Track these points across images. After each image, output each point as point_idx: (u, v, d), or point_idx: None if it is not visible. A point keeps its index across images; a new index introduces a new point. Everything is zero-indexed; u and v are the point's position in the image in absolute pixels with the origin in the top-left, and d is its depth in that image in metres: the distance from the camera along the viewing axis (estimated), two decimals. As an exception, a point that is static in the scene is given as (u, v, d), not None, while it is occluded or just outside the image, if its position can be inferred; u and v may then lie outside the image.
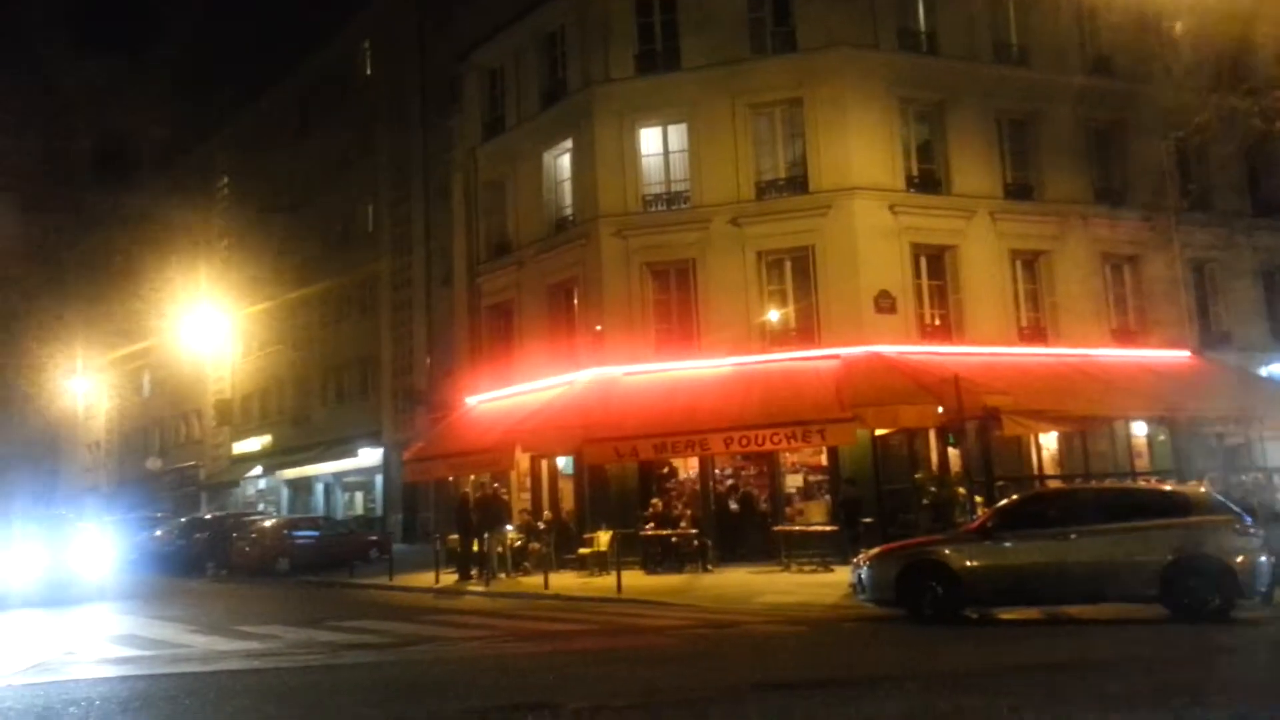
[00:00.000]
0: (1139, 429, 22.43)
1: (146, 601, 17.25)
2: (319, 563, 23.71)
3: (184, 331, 41.22)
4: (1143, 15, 16.31)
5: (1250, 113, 17.44)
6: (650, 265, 22.19)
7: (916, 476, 20.24)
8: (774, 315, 21.39)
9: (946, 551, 11.88)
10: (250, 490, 42.60)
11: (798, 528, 19.35)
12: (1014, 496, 13.77)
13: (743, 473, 21.54)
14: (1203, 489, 13.14)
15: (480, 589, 18.12)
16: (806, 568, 17.79)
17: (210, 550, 25.67)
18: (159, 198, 47.46)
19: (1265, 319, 25.07)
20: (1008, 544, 11.73)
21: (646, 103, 22.66)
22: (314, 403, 38.30)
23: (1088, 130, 23.43)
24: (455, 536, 20.22)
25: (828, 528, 18.74)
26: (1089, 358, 21.76)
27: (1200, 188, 23.29)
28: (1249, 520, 11.66)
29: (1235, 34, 16.20)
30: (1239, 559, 10.85)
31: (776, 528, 19.28)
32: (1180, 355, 23.02)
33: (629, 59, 22.92)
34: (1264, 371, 23.80)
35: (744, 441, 18.91)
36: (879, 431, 19.67)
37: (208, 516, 33.34)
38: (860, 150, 21.31)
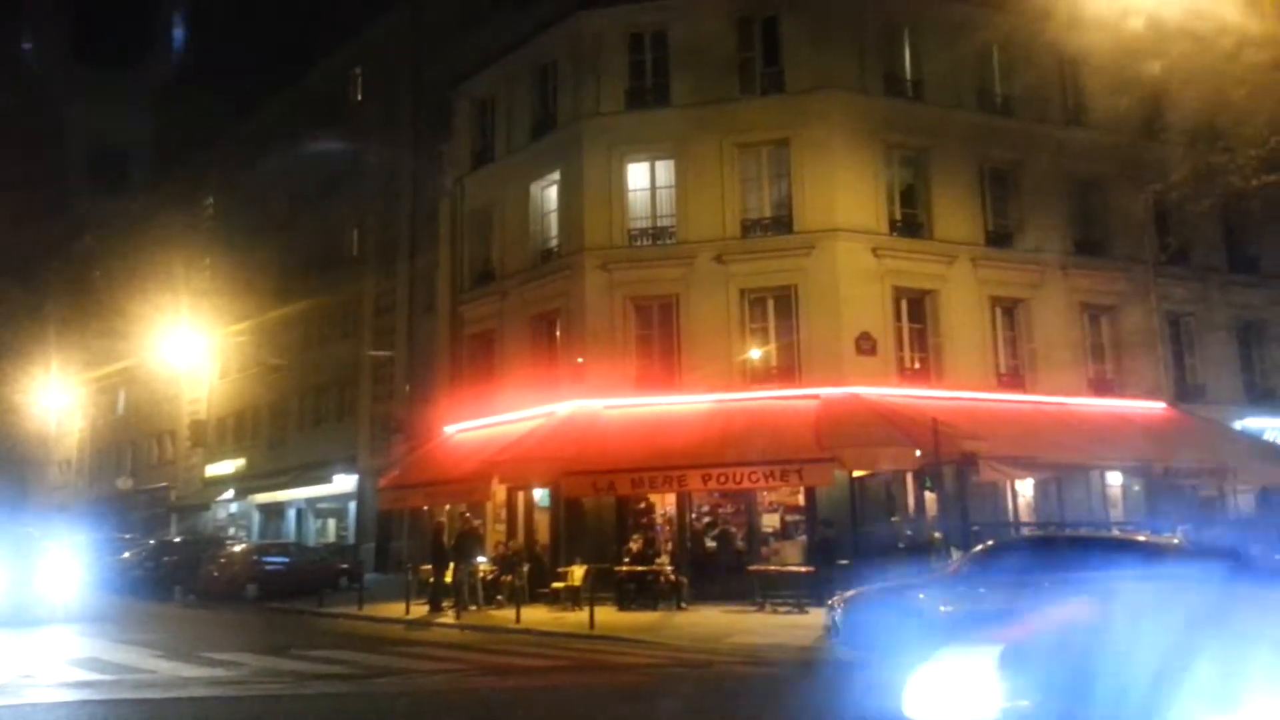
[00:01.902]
0: (1114, 478, 22.56)
1: (111, 624, 16.94)
2: (288, 590, 23.37)
3: (162, 350, 40.85)
4: (1123, 72, 16.61)
5: (1227, 169, 17.74)
6: (634, 299, 22.25)
7: (893, 520, 20.25)
8: (755, 353, 21.45)
9: (921, 596, 11.86)
10: (221, 514, 42.05)
11: (773, 568, 19.27)
12: (989, 543, 13.78)
13: (720, 511, 21.46)
14: (1176, 540, 13.20)
15: (451, 621, 17.90)
16: (781, 609, 17.69)
17: (178, 574, 25.27)
18: (142, 215, 47.26)
19: (1239, 373, 25.36)
20: (982, 590, 11.71)
21: (635, 138, 22.85)
22: (290, 426, 37.95)
23: (1068, 181, 23.77)
24: (428, 567, 19.99)
25: (803, 569, 18.66)
26: (1066, 406, 21.92)
27: (1178, 242, 23.61)
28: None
29: (1214, 92, 16.51)
30: (1211, 611, 10.84)
31: (752, 568, 19.18)
32: (1156, 406, 23.22)
33: (619, 94, 23.13)
34: (1238, 425, 24.02)
35: (722, 479, 18.86)
36: (857, 473, 19.68)
37: (177, 539, 32.90)
38: (845, 192, 21.52)
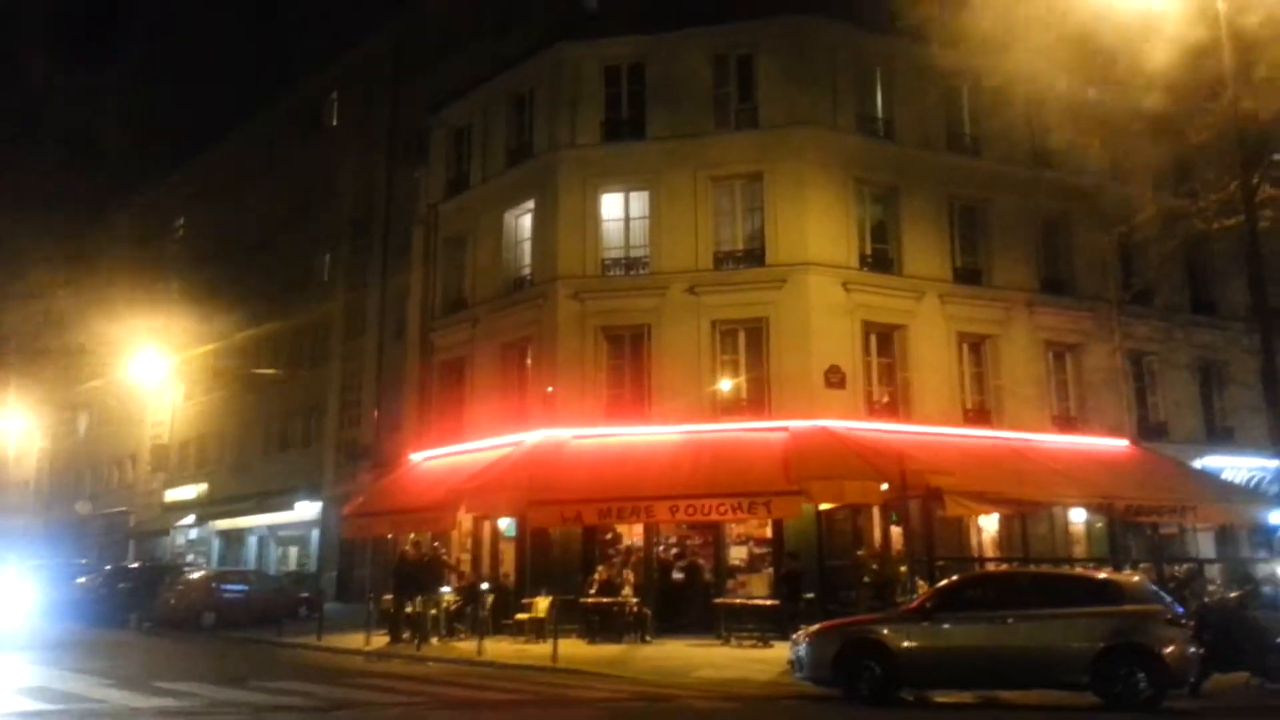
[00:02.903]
0: (1077, 515, 22.72)
1: (64, 652, 16.55)
2: (246, 618, 22.96)
3: (126, 373, 40.26)
4: (1089, 116, 16.99)
5: (1189, 213, 18.12)
6: (605, 329, 22.24)
7: (859, 553, 20.26)
8: (726, 385, 21.48)
9: (885, 631, 11.84)
10: (180, 540, 41.32)
11: (739, 601, 19.19)
12: (953, 578, 13.81)
13: (688, 542, 21.36)
14: (1136, 578, 13.30)
15: (412, 653, 17.63)
16: (746, 642, 17.59)
17: (134, 601, 24.76)
18: (109, 235, 46.77)
19: (1200, 413, 25.70)
20: (945, 625, 11.73)
21: (610, 169, 22.96)
22: (254, 452, 37.46)
23: (1035, 220, 24.09)
24: (390, 597, 19.71)
25: (769, 602, 18.59)
26: (1030, 442, 22.08)
27: (1141, 282, 24.04)
28: (1180, 610, 11.82)
29: (1177, 138, 16.90)
30: (1169, 649, 10.95)
31: (717, 600, 19.09)
32: (1119, 444, 23.47)
33: (595, 125, 23.28)
34: (1198, 464, 24.31)
35: (690, 510, 18.77)
36: (824, 506, 19.67)
37: (134, 565, 32.30)
38: (817, 227, 21.71)
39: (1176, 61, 14.02)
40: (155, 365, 39.59)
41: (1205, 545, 24.19)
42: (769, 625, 17.76)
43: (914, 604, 12.65)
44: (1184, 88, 14.98)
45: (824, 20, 22.57)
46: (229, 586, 25.02)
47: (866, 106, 23.18)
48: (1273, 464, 20.17)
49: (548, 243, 23.03)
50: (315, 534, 33.50)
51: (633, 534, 21.27)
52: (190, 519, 39.38)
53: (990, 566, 20.44)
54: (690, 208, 22.15)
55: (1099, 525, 22.57)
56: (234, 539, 38.61)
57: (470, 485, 20.24)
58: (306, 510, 32.97)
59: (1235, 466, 24.69)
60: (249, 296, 38.02)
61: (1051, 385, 23.73)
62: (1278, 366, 13.79)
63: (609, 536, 21.31)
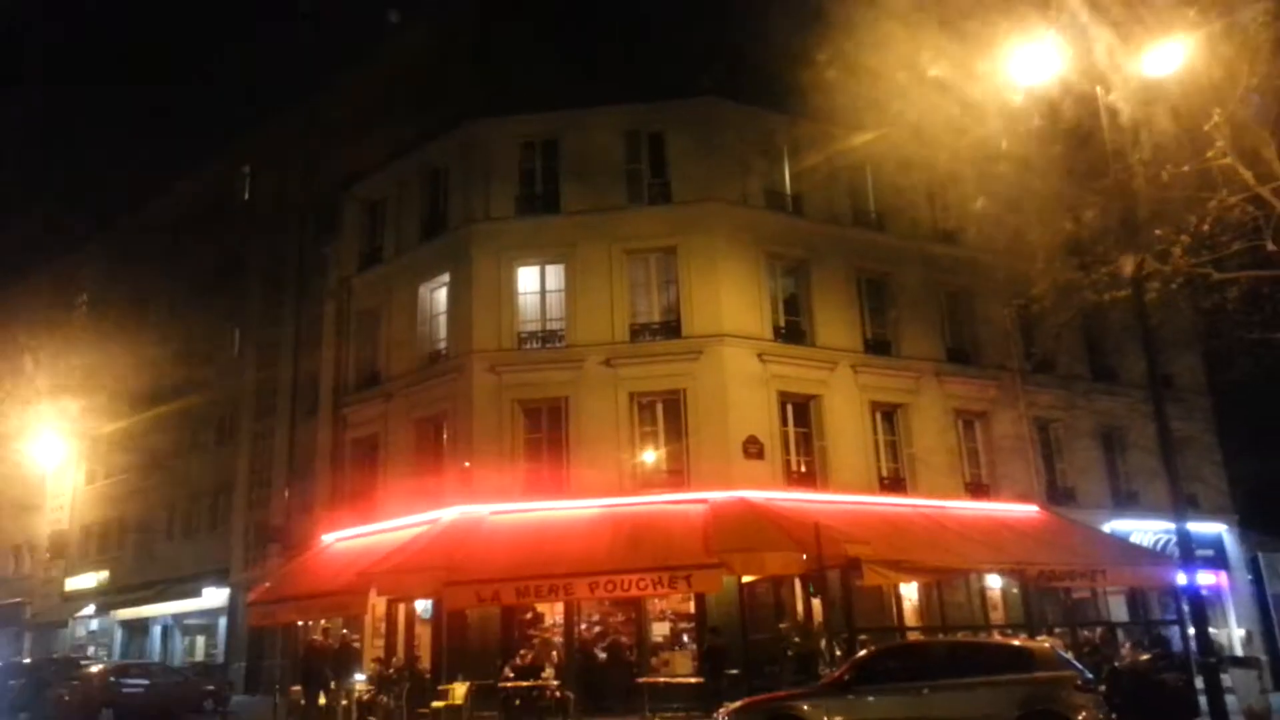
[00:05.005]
0: (993, 581, 23.06)
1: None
2: (148, 714, 21.77)
3: (22, 456, 38.35)
4: (984, 193, 17.66)
5: (1082, 285, 18.87)
6: (522, 403, 22.07)
7: (781, 626, 20.17)
8: (645, 457, 21.42)
9: (805, 707, 11.77)
10: (81, 631, 39.10)
11: (663, 679, 18.86)
12: (870, 649, 13.82)
13: (610, 619, 21.00)
14: (1047, 644, 13.47)
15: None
16: (670, 722, 17.26)
17: (27, 698, 23.30)
18: (5, 311, 44.95)
19: (1105, 477, 26.49)
20: (867, 698, 11.70)
21: (525, 242, 23.06)
22: (158, 536, 35.83)
23: (939, 293, 24.89)
24: (298, 688, 18.87)
25: (692, 679, 18.30)
26: (944, 509, 22.43)
27: (1042, 352, 24.86)
28: (1090, 677, 11.99)
29: (1067, 213, 17.67)
30: (1081, 715, 11.07)
31: (641, 679, 18.72)
32: (1029, 510, 23.99)
33: (510, 199, 23.42)
34: (1106, 528, 24.96)
35: (610, 587, 18.44)
36: (745, 579, 19.59)
37: (25, 660, 30.44)
38: (731, 300, 22.04)
39: (1064, 143, 14.75)
40: (54, 448, 37.91)
41: (1117, 608, 24.72)
42: (693, 703, 17.47)
43: (833, 677, 12.60)
44: (1071, 168, 15.74)
45: (731, 103, 23.25)
46: (129, 680, 23.69)
47: (775, 183, 23.82)
48: (1174, 526, 20.76)
49: (463, 316, 22.90)
50: (223, 622, 32.04)
51: (553, 613, 20.84)
52: (91, 609, 37.33)
53: (911, 635, 20.53)
54: (606, 281, 22.32)
55: (1014, 591, 22.91)
56: (137, 629, 36.70)
57: (383, 567, 19.63)
58: (214, 597, 31.56)
59: (1142, 530, 25.41)
60: (155, 374, 36.75)
61: (962, 453, 24.25)
62: (1171, 434, 14.29)
63: (529, 616, 20.84)
